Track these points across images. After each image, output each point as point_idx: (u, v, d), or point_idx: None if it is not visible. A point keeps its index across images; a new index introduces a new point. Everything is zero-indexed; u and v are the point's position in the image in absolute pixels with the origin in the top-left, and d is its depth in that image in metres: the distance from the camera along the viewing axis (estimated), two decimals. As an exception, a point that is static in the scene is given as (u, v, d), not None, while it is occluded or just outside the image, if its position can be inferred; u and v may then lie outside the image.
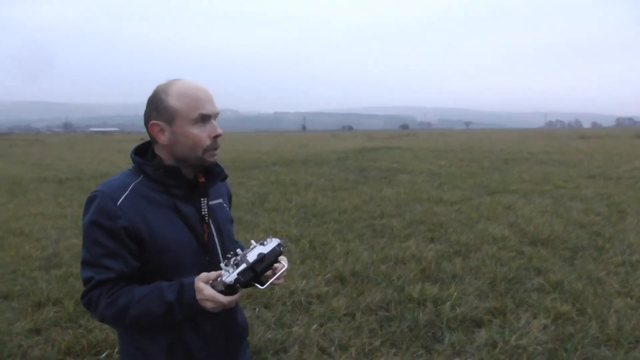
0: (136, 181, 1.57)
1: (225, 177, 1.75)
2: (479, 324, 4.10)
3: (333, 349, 3.71)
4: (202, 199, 1.64)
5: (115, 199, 1.51)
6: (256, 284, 1.51)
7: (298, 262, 5.68)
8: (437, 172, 14.94)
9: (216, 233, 1.68)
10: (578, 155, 20.31)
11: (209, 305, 1.43)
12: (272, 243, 1.54)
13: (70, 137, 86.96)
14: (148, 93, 1.61)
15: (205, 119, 1.55)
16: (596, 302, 4.40)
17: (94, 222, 1.50)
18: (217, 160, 1.64)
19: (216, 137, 1.58)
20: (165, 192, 1.58)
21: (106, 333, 3.93)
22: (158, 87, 1.58)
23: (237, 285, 1.44)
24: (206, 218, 1.65)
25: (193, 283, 1.45)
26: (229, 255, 1.48)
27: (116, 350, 3.67)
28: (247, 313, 4.28)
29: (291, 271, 5.31)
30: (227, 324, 1.72)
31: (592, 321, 4.03)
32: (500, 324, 4.05)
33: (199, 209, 1.64)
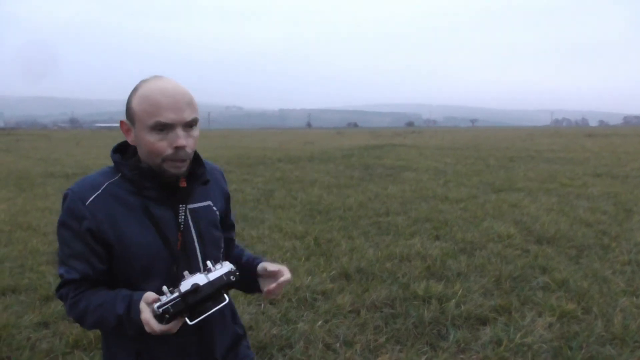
0: (111, 180, 1.48)
1: (207, 181, 1.59)
2: (484, 321, 4.10)
3: (338, 345, 3.72)
4: (180, 205, 1.51)
5: (84, 199, 1.43)
6: (186, 318, 1.34)
7: (303, 259, 5.70)
8: (443, 169, 14.93)
9: (197, 239, 1.55)
10: (585, 154, 20.25)
11: (146, 328, 1.31)
12: (220, 270, 1.36)
13: (76, 132, 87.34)
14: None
15: (164, 127, 1.40)
16: (602, 301, 4.40)
17: (62, 222, 1.45)
18: (181, 172, 1.48)
19: (177, 147, 1.41)
20: (138, 194, 1.47)
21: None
22: (139, 82, 1.46)
23: (166, 316, 1.28)
24: (181, 226, 1.52)
25: (140, 301, 1.34)
26: (184, 275, 1.34)
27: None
28: (252, 309, 4.30)
29: (297, 267, 5.33)
30: (203, 338, 1.59)
31: (598, 320, 4.02)
32: (505, 321, 4.06)
33: (177, 214, 1.51)
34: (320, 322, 4.04)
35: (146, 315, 1.30)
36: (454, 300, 4.39)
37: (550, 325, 3.98)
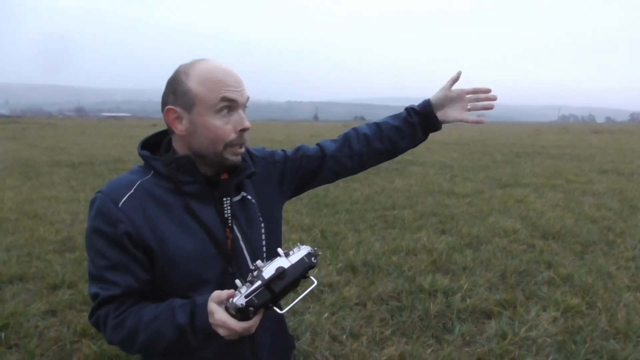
0: (144, 178, 1.32)
1: (252, 173, 1.44)
2: (489, 315, 4.13)
3: (344, 337, 3.75)
4: (224, 199, 1.36)
5: (116, 200, 1.26)
6: (274, 308, 1.20)
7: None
8: (449, 164, 14.92)
9: (242, 237, 1.39)
10: (591, 150, 20.18)
11: (221, 331, 1.16)
12: (299, 252, 1.22)
13: (82, 121, 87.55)
14: (160, 79, 1.37)
15: (230, 107, 1.29)
16: (606, 296, 4.42)
17: (94, 229, 1.27)
18: (239, 160, 1.37)
19: (243, 130, 1.32)
20: (175, 191, 1.31)
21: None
22: (179, 67, 1.32)
23: (250, 308, 1.13)
24: (229, 221, 1.36)
25: (206, 303, 1.19)
26: (252, 268, 1.19)
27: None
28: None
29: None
30: (257, 347, 1.45)
31: (602, 315, 4.05)
32: (510, 315, 4.09)
33: (221, 211, 1.36)
34: (326, 314, 4.07)
35: (221, 315, 1.15)
36: (459, 294, 4.42)
37: (555, 319, 4.01)
